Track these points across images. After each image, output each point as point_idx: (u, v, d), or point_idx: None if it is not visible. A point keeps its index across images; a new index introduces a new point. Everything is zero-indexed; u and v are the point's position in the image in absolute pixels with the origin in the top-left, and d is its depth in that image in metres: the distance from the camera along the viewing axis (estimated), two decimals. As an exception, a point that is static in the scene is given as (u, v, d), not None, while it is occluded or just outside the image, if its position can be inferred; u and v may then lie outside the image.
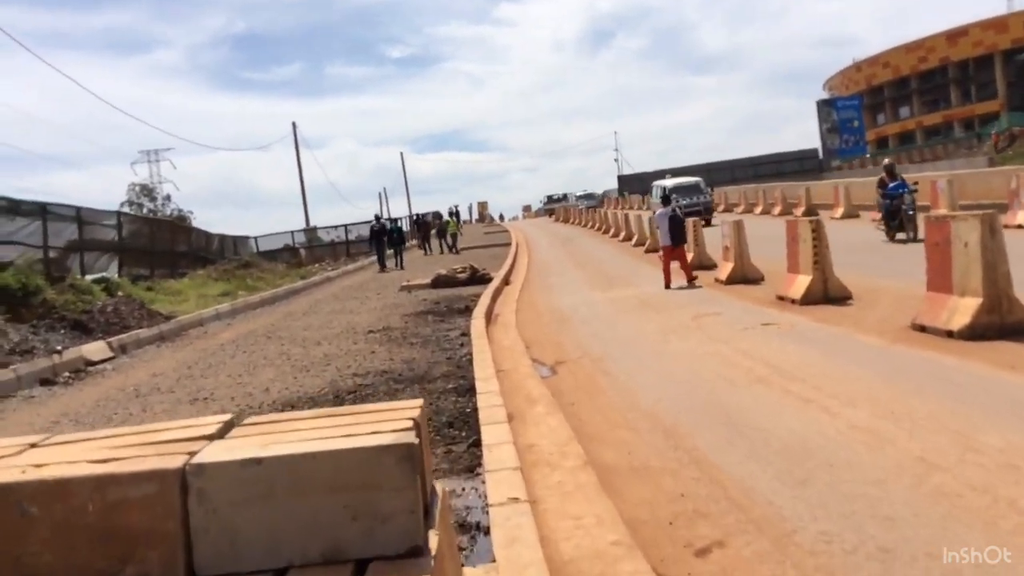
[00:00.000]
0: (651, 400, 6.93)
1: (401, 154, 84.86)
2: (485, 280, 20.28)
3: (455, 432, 6.25)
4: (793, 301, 11.16)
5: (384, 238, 33.29)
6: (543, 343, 10.98)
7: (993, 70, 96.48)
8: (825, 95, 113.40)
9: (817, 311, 10.34)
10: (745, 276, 14.33)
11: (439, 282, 20.79)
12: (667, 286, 15.12)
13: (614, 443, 5.85)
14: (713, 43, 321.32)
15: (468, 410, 6.86)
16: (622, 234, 31.69)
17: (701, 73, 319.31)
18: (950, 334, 7.60)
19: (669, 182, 35.72)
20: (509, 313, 14.42)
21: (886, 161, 20.29)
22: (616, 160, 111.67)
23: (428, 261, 32.60)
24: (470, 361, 9.39)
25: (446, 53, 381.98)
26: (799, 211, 30.79)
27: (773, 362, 7.68)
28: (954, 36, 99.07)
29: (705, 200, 34.34)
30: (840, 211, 27.13)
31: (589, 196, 73.75)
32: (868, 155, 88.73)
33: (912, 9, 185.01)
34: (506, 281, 20.22)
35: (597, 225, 41.47)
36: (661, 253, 16.14)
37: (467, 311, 14.70)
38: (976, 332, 7.38)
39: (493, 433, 5.72)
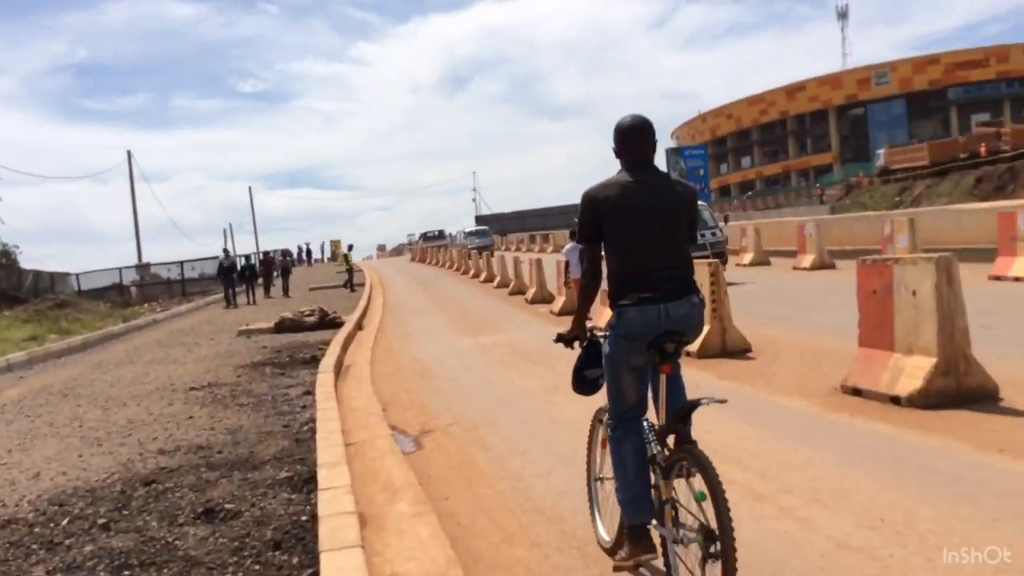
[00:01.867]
0: (552, 493, 5.30)
1: (249, 188, 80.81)
2: (336, 324, 18.24)
3: (283, 559, 4.36)
4: (688, 353, 9.85)
5: (234, 275, 31.36)
6: (404, 404, 9.20)
7: (828, 124, 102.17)
8: (673, 144, 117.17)
9: (720, 366, 9.05)
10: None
11: (283, 326, 18.56)
12: None
13: (511, 568, 4.17)
14: (567, 92, 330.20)
15: (305, 519, 4.98)
16: (483, 275, 30.26)
17: (556, 119, 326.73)
18: (895, 400, 6.36)
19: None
20: (363, 364, 12.54)
21: None
22: (475, 200, 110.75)
23: (273, 302, 29.93)
24: (313, 432, 7.50)
25: (300, 89, 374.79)
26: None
27: (701, 437, 6.20)
28: (792, 91, 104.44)
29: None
30: (704, 255, 26.71)
31: (481, 234, 55.02)
32: (711, 202, 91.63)
33: (751, 67, 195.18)
34: (359, 326, 18.25)
35: (456, 266, 39.95)
36: (572, 284, 16.22)
37: (313, 361, 12.71)
38: (930, 399, 6.16)
39: (337, 563, 3.91)
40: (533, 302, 19.53)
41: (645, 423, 3.71)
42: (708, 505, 3.04)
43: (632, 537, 3.55)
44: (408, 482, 5.87)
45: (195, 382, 11.71)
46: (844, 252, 20.92)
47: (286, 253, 37.98)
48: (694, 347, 9.74)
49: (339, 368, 11.91)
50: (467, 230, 57.34)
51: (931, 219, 17.29)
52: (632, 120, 3.64)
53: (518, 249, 52.33)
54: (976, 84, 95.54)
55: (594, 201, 3.59)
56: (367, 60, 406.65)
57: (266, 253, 36.97)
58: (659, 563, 3.56)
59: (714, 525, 3.00)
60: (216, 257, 54.09)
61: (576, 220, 3.78)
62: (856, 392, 6.84)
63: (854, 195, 63.42)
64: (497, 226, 62.57)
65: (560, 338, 4.05)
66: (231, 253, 35.82)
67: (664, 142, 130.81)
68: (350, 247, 38.55)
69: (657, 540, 3.51)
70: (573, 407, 7.76)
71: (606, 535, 4.11)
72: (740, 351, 9.68)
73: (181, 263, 48.18)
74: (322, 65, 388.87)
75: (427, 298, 26.00)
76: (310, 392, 9.95)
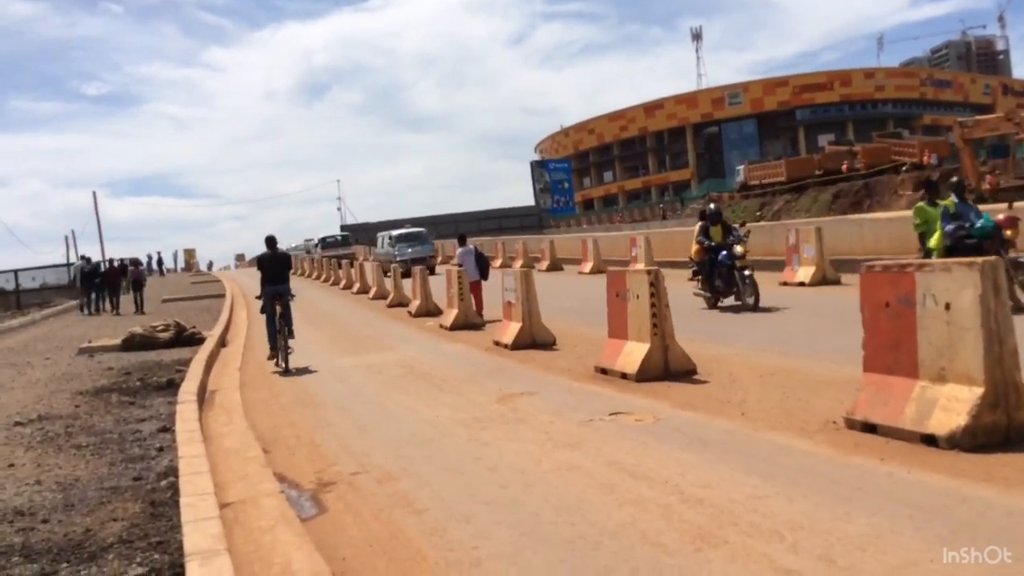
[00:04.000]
0: (537, 592, 3.74)
1: (94, 193, 73.92)
2: (195, 341, 15.96)
3: None
4: (624, 376, 8.50)
5: (97, 279, 29.40)
6: (290, 443, 7.41)
7: (685, 141, 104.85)
8: (537, 157, 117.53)
9: (670, 392, 7.71)
10: (535, 339, 11.58)
11: (133, 343, 16.09)
12: (479, 312, 15.34)
13: None
14: (427, 104, 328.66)
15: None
16: (356, 286, 28.22)
17: (417, 131, 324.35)
18: (929, 440, 5.14)
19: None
20: (231, 389, 10.58)
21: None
22: (339, 209, 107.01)
23: (120, 319, 26.76)
24: (174, 490, 5.64)
25: (149, 94, 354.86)
26: (543, 264, 29.22)
27: (689, 491, 4.79)
28: (651, 108, 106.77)
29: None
30: (590, 265, 25.67)
31: (415, 240, 34.87)
32: (576, 215, 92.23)
33: (608, 85, 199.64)
34: (223, 342, 16.05)
35: (323, 276, 37.61)
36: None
37: (170, 386, 10.64)
38: (977, 439, 4.97)
39: None
40: (418, 315, 17.84)
41: None
42: None
43: None
44: (316, 571, 4.19)
45: (22, 414, 9.45)
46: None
47: (135, 262, 34.29)
48: (632, 369, 8.40)
49: (203, 394, 9.93)
50: (394, 234, 35.44)
51: (831, 229, 16.72)
52: None
53: (365, 259, 49.96)
54: (822, 106, 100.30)
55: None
56: (221, 66, 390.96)
57: (111, 261, 33.28)
58: None
59: None
60: (63, 264, 49.31)
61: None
62: (869, 428, 5.60)
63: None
64: (363, 236, 59.93)
65: None
66: (92, 259, 32.54)
67: (529, 156, 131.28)
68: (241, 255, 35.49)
69: None
70: (510, 448, 6.24)
71: None
72: (685, 373, 8.40)
73: (15, 272, 43.37)
74: (172, 69, 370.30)
75: (294, 309, 23.74)
76: (168, 429, 7.99)
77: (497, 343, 12.01)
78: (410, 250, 32.86)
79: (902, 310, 5.50)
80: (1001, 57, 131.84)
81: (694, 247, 14.60)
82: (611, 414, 7.05)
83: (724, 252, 13.81)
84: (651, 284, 8.41)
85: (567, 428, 6.73)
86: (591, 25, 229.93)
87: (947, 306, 5.17)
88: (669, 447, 5.83)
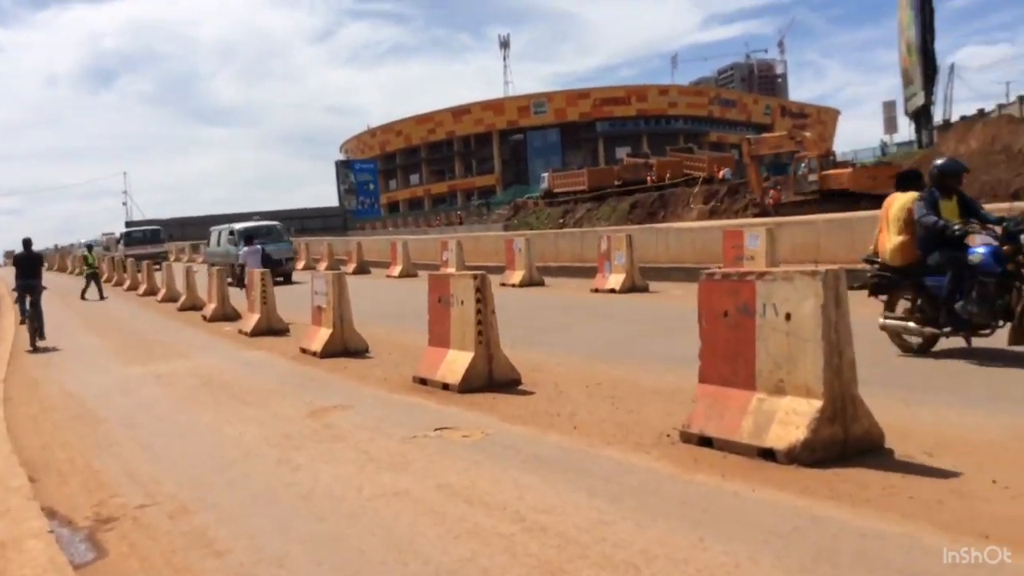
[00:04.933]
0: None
1: None
2: (-53, 347, 13.99)
3: None
4: (446, 386, 8.03)
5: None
6: (64, 467, 6.40)
7: (492, 147, 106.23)
8: (342, 157, 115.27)
9: (496, 404, 7.31)
10: (347, 346, 10.88)
11: None
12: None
13: None
14: (226, 96, 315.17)
15: None
16: (142, 287, 26.14)
17: (215, 124, 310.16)
18: (767, 454, 5.01)
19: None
20: (-9, 405, 9.20)
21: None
22: (126, 204, 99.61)
23: None
24: (-91, 537, 4.61)
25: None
26: (350, 267, 28.30)
27: (531, 518, 4.38)
28: (459, 113, 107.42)
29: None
30: (399, 268, 25.09)
31: (270, 234, 27.74)
32: (381, 216, 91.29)
33: (416, 87, 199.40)
34: (-18, 349, 14.18)
35: (128, 282, 34.57)
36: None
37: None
38: (816, 453, 4.86)
39: None
40: (213, 319, 16.55)
41: None
42: None
43: None
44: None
45: None
46: (548, 269, 20.37)
47: None
48: (455, 379, 7.95)
49: (-46, 413, 8.54)
50: (237, 228, 27.78)
51: (637, 237, 17.05)
52: None
53: (177, 260, 46.88)
54: (620, 119, 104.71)
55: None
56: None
57: None
58: None
59: None
60: None
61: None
62: (705, 442, 5.42)
63: (521, 215, 65.81)
64: (179, 232, 55.93)
65: None
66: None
67: (333, 155, 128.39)
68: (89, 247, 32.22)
69: None
70: (327, 471, 5.61)
71: None
72: (510, 383, 8.03)
73: None
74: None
75: (73, 312, 21.62)
76: (-95, 456, 6.72)
77: (305, 350, 11.20)
78: (250, 258, 21.08)
79: (741, 320, 5.36)
80: (780, 80, 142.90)
81: (895, 239, 8.08)
82: (436, 429, 6.54)
83: (988, 248, 7.40)
84: (477, 289, 7.97)
85: (389, 446, 6.17)
86: (399, 26, 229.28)
87: (788, 316, 5.06)
88: (503, 466, 5.41)
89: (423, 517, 4.58)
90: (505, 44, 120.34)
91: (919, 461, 4.83)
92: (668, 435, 5.76)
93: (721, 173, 50.46)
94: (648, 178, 56.59)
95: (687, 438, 5.57)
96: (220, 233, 29.19)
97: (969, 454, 4.85)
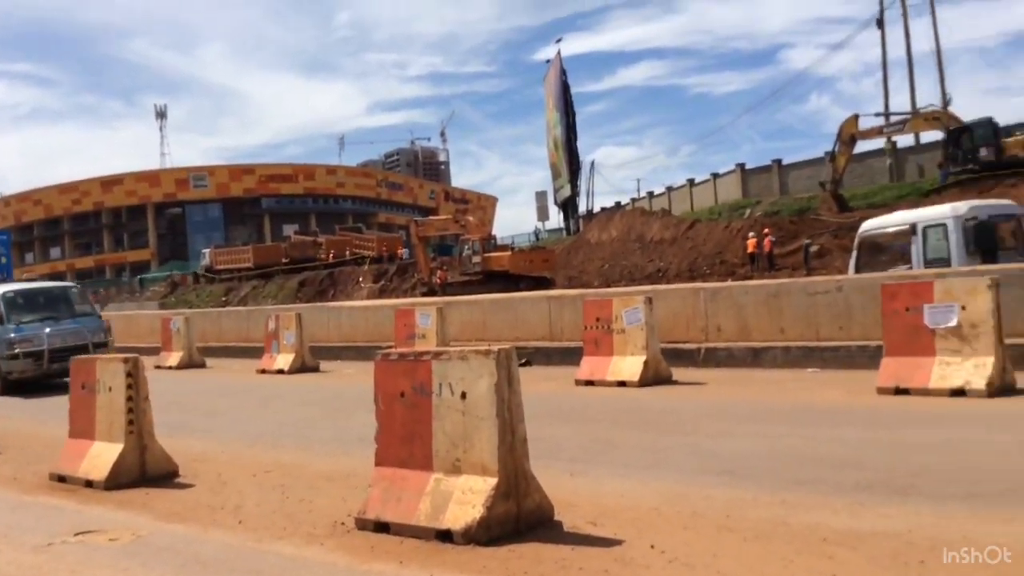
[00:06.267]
0: None
1: None
2: None
3: None
4: (89, 483, 7.12)
5: None
6: None
7: (146, 220, 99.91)
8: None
9: (150, 501, 6.58)
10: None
11: None
12: None
13: None
14: None
15: None
16: None
17: None
18: (445, 536, 4.94)
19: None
20: None
21: None
22: None
23: None
24: None
25: None
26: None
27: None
28: (109, 183, 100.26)
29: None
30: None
31: (59, 302, 16.41)
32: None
33: (62, 154, 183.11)
34: None
35: None
36: None
37: None
38: (492, 531, 4.88)
39: None
40: None
41: None
42: None
43: None
44: None
45: None
46: (211, 349, 19.23)
47: None
48: (101, 475, 7.07)
49: None
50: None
51: (308, 315, 16.71)
52: None
53: None
54: (287, 196, 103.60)
55: None
56: None
57: None
58: None
59: None
60: None
61: None
62: (382, 527, 5.24)
63: (179, 293, 62.37)
64: None
65: None
66: None
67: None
68: None
69: None
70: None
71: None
72: (166, 475, 7.30)
73: None
74: None
75: None
76: None
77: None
78: (50, 329, 15.17)
79: (418, 400, 5.30)
80: (443, 167, 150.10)
81: None
82: (78, 534, 5.71)
83: None
84: (128, 374, 7.19)
85: (19, 558, 5.27)
86: (42, 89, 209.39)
87: (463, 395, 5.08)
88: (159, 573, 4.81)
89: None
90: (162, 114, 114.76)
91: (585, 531, 5.02)
92: (343, 523, 5.51)
93: (401, 252, 51.79)
94: (322, 256, 56.40)
95: (363, 525, 5.35)
96: None
97: (630, 521, 5.13)
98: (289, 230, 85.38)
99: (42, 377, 14.86)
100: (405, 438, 5.37)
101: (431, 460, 5.22)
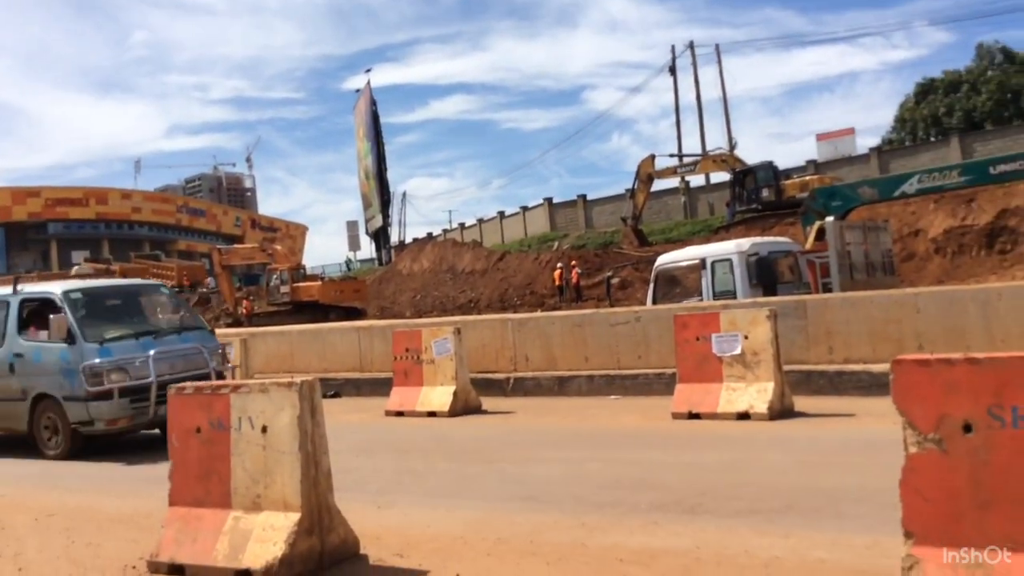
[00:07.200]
0: None
1: None
2: None
3: None
4: None
5: None
6: None
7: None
8: None
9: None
10: None
11: None
12: None
13: None
14: None
15: None
16: None
17: None
18: (245, 575, 4.77)
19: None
20: None
21: None
22: None
23: None
24: None
25: None
26: None
27: None
28: None
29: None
30: None
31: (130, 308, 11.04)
32: None
33: None
34: None
35: None
36: None
37: None
38: (295, 568, 4.75)
39: None
40: None
41: None
42: None
43: None
44: None
45: None
46: None
47: None
48: None
49: None
50: (66, 292, 9.97)
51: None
52: None
53: None
54: (77, 221, 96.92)
55: None
56: None
57: None
58: None
59: None
60: None
61: None
62: (176, 569, 4.98)
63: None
64: None
65: None
66: None
67: None
68: None
69: None
70: None
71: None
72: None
73: None
74: None
75: None
76: None
77: None
78: (155, 351, 9.58)
79: (215, 435, 5.10)
80: (249, 194, 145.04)
81: None
82: None
83: None
84: None
85: None
86: None
87: (264, 429, 4.94)
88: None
89: None
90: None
91: (391, 564, 5.00)
92: (135, 567, 5.20)
93: (207, 281, 49.57)
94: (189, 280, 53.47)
95: (155, 568, 5.08)
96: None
97: (435, 551, 5.15)
98: (79, 256, 79.73)
99: (146, 426, 9.88)
100: (201, 475, 5.15)
101: (229, 497, 5.03)
